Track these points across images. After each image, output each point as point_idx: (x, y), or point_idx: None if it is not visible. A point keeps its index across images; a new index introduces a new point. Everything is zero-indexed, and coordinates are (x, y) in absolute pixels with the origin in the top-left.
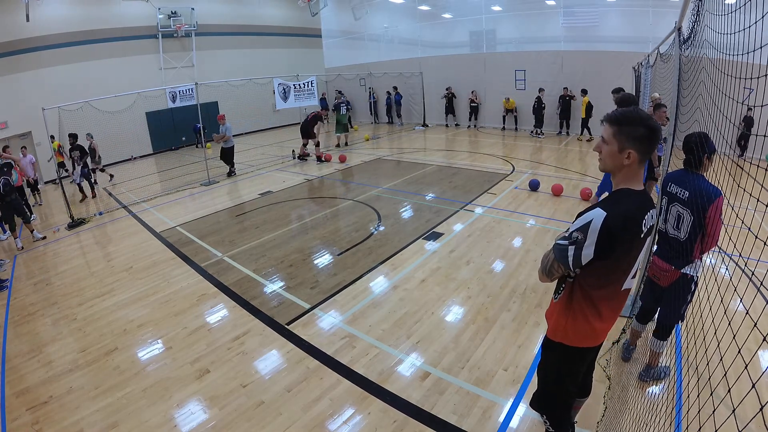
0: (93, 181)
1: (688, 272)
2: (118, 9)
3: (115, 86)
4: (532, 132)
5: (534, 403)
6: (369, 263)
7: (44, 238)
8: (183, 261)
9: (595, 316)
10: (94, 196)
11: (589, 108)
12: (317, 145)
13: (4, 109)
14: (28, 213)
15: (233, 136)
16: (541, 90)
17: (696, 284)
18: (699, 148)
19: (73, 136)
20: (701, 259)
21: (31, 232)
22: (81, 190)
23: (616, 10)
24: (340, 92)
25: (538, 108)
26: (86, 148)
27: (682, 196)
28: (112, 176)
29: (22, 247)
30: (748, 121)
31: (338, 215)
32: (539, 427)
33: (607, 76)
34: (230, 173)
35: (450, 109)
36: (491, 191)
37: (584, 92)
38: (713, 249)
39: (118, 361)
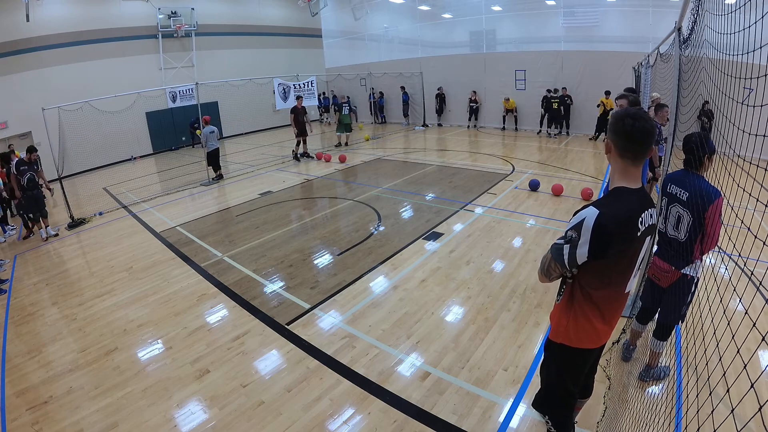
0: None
1: (688, 273)
2: (117, 9)
3: (115, 86)
4: (549, 133)
5: (536, 404)
6: (369, 263)
7: (56, 235)
8: (183, 261)
9: (597, 317)
10: (31, 233)
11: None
12: (298, 143)
13: (4, 109)
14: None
15: (220, 138)
16: (564, 89)
17: (696, 285)
18: (699, 148)
19: (3, 157)
20: (701, 260)
21: (46, 227)
22: (25, 224)
23: (616, 10)
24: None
25: (553, 107)
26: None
27: (682, 196)
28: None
29: (47, 238)
30: (707, 114)
31: (338, 215)
32: (539, 427)
33: (607, 76)
34: (216, 177)
35: (441, 109)
36: (491, 191)
37: (607, 93)
38: (713, 249)
39: (118, 361)
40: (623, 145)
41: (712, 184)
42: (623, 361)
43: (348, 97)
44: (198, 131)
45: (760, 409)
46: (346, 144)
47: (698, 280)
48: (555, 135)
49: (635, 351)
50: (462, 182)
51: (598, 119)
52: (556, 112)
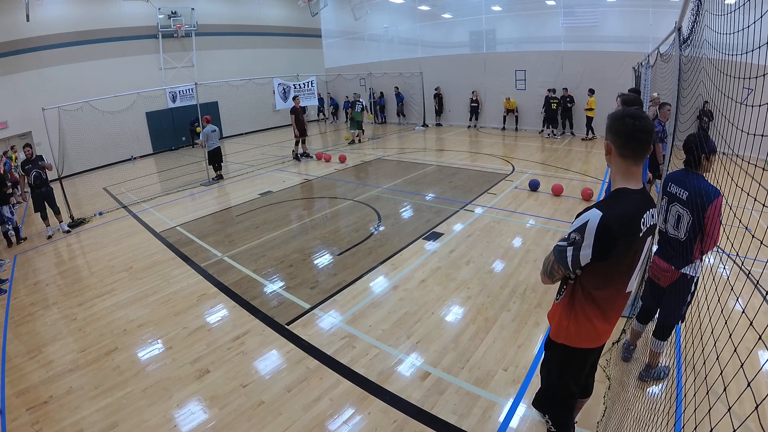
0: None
1: (687, 272)
2: (118, 9)
3: (115, 86)
4: (552, 133)
5: (536, 403)
6: (369, 263)
7: (68, 231)
8: (183, 261)
9: (598, 316)
10: (19, 242)
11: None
12: (297, 143)
13: (4, 109)
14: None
15: (220, 138)
16: (564, 89)
17: (696, 285)
18: (698, 148)
19: None
20: (701, 260)
21: (60, 223)
22: (5, 235)
23: (616, 10)
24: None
25: (552, 107)
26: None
27: (682, 196)
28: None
29: (51, 236)
30: (708, 114)
31: (338, 215)
32: (539, 427)
33: (607, 76)
34: (216, 177)
35: (440, 109)
36: (491, 191)
37: (591, 92)
38: (713, 249)
39: (118, 361)
40: (624, 145)
41: (713, 184)
42: (623, 361)
43: (359, 94)
44: (198, 128)
45: (756, 408)
46: (360, 141)
47: (698, 279)
48: (552, 135)
49: (635, 351)
50: (462, 182)
51: (589, 119)
52: (554, 112)
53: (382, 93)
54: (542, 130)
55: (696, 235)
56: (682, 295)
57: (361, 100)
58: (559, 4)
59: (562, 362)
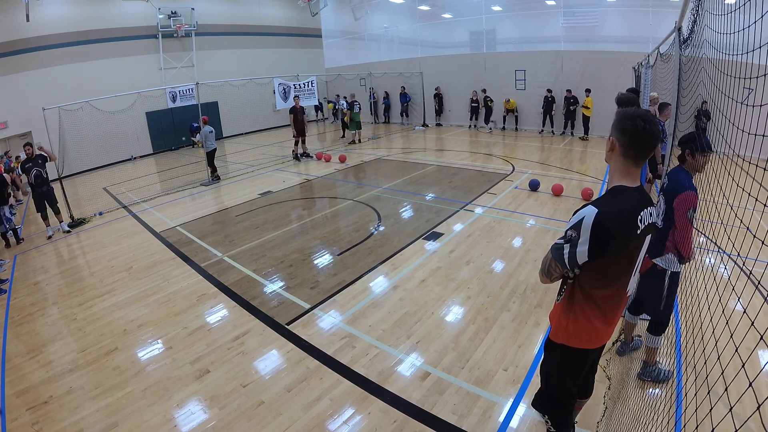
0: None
1: (658, 263)
2: (118, 9)
3: (115, 86)
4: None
5: (536, 403)
6: (369, 263)
7: (68, 231)
8: (183, 261)
9: (597, 317)
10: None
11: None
12: (296, 143)
13: (4, 109)
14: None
15: (221, 138)
16: (568, 90)
17: (671, 280)
18: (685, 143)
19: None
20: (675, 255)
21: (60, 222)
22: (3, 236)
23: (616, 10)
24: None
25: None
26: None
27: (664, 184)
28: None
29: (51, 236)
30: (706, 114)
31: (338, 215)
32: (539, 427)
33: (607, 76)
34: (213, 177)
35: (440, 109)
36: (491, 191)
37: (588, 92)
38: (690, 257)
39: (118, 361)
40: (628, 144)
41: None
42: (618, 355)
43: (353, 95)
44: (198, 141)
45: (758, 408)
46: (359, 141)
47: (672, 275)
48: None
49: (630, 346)
50: (462, 182)
51: (586, 119)
52: (549, 108)
53: (387, 93)
54: (542, 130)
55: (669, 225)
56: (656, 288)
57: (357, 101)
58: (559, 4)
59: (561, 362)
